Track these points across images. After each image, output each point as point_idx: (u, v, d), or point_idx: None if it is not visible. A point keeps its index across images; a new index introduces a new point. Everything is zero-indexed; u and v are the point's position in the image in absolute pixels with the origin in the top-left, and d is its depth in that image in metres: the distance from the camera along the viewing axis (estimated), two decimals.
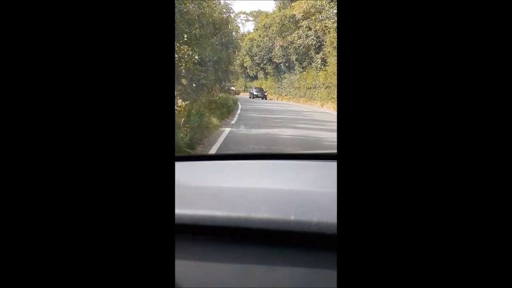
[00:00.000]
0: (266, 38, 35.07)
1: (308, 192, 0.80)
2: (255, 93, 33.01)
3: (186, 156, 2.00)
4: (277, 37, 31.96)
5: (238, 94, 37.37)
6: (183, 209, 0.66)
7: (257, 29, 41.13)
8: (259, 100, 30.68)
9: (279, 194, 0.76)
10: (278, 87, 34.48)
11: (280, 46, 31.29)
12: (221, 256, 0.63)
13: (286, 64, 32.37)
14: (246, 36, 44.12)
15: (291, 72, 31.66)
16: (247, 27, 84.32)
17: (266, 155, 1.42)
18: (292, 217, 0.62)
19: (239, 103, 21.87)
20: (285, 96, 32.70)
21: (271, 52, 34.56)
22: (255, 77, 42.41)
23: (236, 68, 26.47)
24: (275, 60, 33.87)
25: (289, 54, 30.37)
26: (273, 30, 32.70)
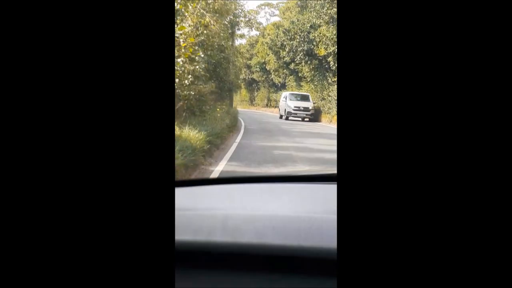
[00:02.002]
0: (302, 16, 20.60)
1: (316, 218, 0.72)
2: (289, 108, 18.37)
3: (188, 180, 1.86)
4: None
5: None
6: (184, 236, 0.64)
7: (285, 11, 26.96)
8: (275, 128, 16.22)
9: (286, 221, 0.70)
10: (322, 100, 19.98)
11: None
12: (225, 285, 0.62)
13: None
14: (267, 27, 30.23)
15: None
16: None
17: (270, 177, 1.24)
18: (300, 244, 0.61)
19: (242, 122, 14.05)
20: (334, 116, 18.15)
21: (312, 33, 20.08)
22: (283, 86, 27.91)
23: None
24: (318, 51, 19.42)
25: None
26: None
